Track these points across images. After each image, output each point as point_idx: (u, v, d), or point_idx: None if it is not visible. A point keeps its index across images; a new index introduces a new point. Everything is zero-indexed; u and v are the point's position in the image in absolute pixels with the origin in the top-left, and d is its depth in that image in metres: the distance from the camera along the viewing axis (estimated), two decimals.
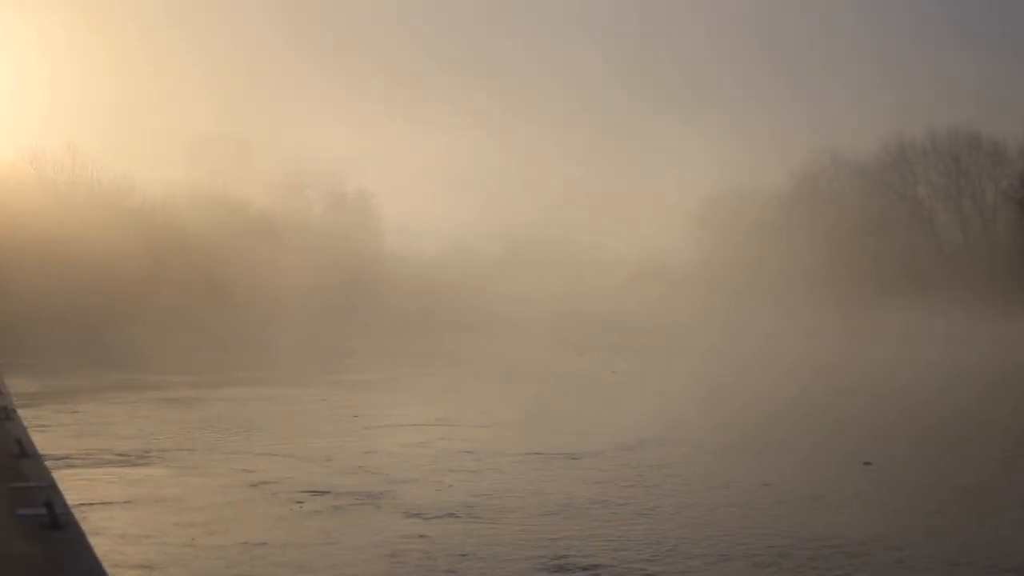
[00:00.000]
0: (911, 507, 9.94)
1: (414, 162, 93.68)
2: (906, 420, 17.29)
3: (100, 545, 5.99)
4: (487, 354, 30.77)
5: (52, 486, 6.42)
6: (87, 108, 72.00)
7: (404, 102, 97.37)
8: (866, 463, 12.09)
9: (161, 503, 9.63)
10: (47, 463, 8.10)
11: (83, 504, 8.76)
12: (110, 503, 9.48)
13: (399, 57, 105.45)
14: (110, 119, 68.85)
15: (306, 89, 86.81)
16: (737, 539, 8.40)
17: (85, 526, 5.81)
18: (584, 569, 7.48)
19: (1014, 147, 63.12)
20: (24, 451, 7.62)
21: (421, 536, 8.39)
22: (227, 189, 52.47)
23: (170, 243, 44.28)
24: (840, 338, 43.52)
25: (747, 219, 67.72)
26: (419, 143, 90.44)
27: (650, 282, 63.66)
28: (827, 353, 35.83)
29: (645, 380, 24.18)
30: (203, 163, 57.64)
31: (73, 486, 9.24)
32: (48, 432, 13.75)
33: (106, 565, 4.82)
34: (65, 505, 5.76)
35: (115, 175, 48.80)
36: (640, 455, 12.31)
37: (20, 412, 11.09)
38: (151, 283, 40.62)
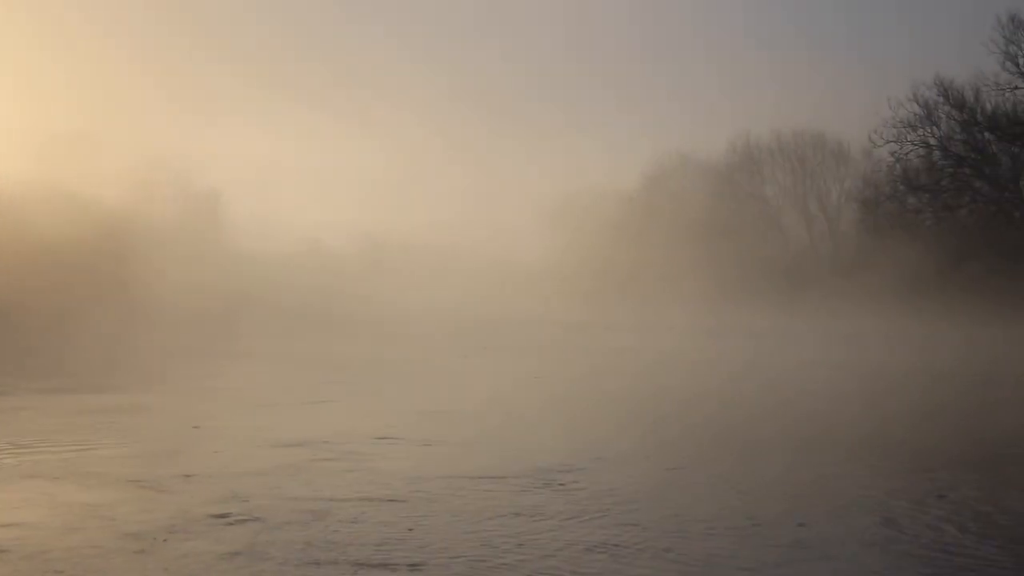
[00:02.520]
0: None
1: (270, 160, 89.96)
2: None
3: None
4: (365, 357, 28.68)
5: None
6: None
7: (262, 100, 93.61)
8: None
9: None
10: None
11: None
12: None
13: (259, 54, 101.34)
14: None
15: (164, 88, 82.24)
16: None
17: None
18: None
19: (857, 147, 64.95)
20: None
21: None
22: (79, 187, 48.99)
23: (21, 243, 41.17)
24: (702, 336, 43.68)
25: (599, 218, 68.19)
26: (276, 141, 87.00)
27: (506, 281, 63.63)
28: (710, 351, 35.80)
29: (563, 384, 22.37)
30: (55, 161, 53.67)
31: None
32: None
33: None
34: None
35: None
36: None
37: None
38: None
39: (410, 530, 7.85)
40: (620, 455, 11.59)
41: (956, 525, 8.25)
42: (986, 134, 51.26)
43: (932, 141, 51.88)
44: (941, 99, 51.08)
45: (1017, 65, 48.20)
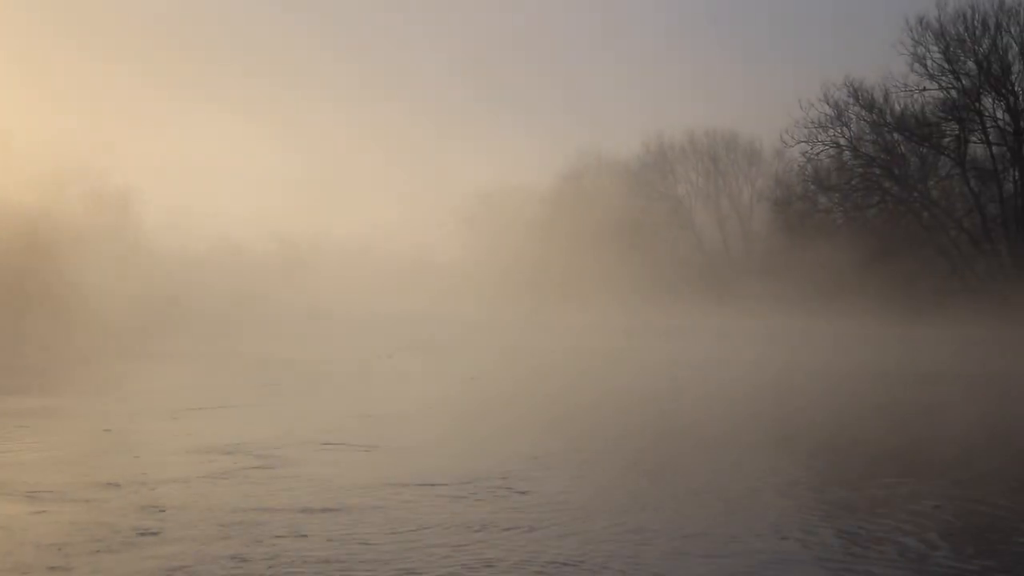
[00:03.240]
0: None
1: (188, 161, 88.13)
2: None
3: None
4: (288, 358, 27.97)
5: None
6: None
7: (173, 96, 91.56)
8: None
9: None
10: None
11: None
12: None
13: (172, 50, 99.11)
14: None
15: (75, 88, 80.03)
16: None
17: None
18: None
19: (769, 148, 65.74)
20: None
21: None
22: None
23: None
24: (622, 335, 43.74)
25: (515, 218, 68.07)
26: (195, 142, 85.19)
27: (424, 280, 63.44)
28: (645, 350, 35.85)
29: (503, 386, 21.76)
30: None
31: None
32: None
33: None
34: None
35: None
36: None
37: None
38: None
39: (363, 545, 7.36)
40: (561, 459, 11.29)
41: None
42: (895, 135, 51.97)
43: (842, 141, 52.50)
44: (851, 100, 51.70)
45: (925, 67, 48.96)
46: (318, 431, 13.03)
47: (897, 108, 51.40)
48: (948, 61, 48.86)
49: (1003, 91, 48.22)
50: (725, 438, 13.28)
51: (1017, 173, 48.58)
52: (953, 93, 49.20)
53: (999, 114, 48.90)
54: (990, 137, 49.20)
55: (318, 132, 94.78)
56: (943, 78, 49.08)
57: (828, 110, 51.83)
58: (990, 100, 49.00)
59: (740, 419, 15.78)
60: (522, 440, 12.88)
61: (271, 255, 64.33)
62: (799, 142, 52.93)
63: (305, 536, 7.57)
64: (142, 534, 7.62)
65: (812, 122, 52.10)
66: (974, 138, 49.76)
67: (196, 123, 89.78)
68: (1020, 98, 47.95)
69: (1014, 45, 47.75)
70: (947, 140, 50.52)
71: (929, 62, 48.99)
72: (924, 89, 49.66)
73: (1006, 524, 8.52)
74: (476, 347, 34.61)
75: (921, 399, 19.31)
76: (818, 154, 52.81)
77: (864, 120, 52.04)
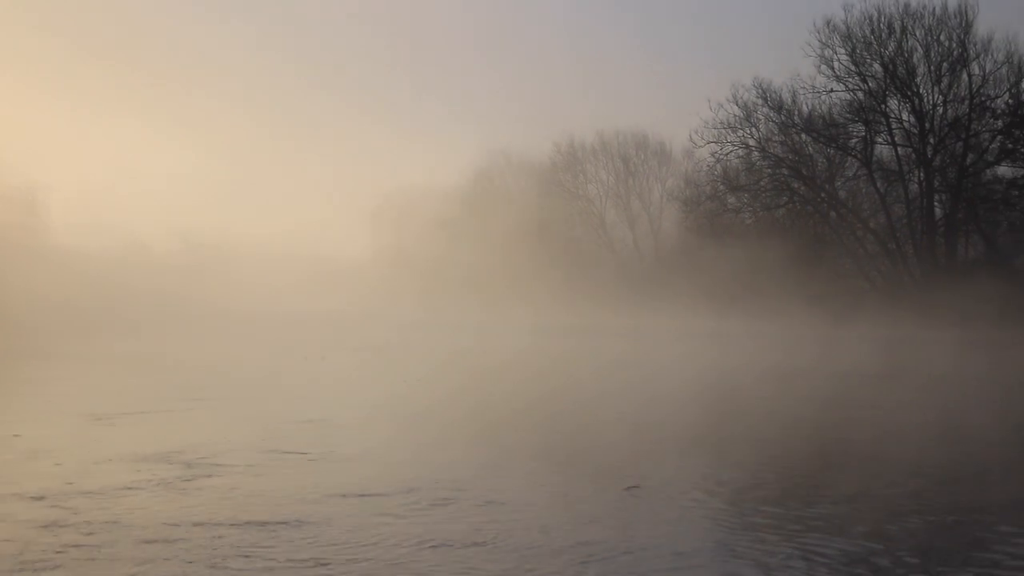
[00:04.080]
0: None
1: (94, 161, 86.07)
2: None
3: None
4: (206, 359, 27.14)
5: None
6: None
7: (81, 97, 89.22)
8: None
9: None
10: None
11: None
12: None
13: (77, 45, 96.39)
14: None
15: None
16: None
17: None
18: None
19: (679, 148, 66.17)
20: None
21: None
22: None
23: None
24: (540, 335, 43.65)
25: (425, 217, 67.65)
26: (100, 142, 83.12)
27: (333, 280, 62.79)
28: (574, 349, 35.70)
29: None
30: None
31: None
32: None
33: None
34: None
35: None
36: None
37: None
38: None
39: (318, 567, 6.80)
40: (508, 465, 10.87)
41: None
42: (803, 136, 52.63)
43: (751, 142, 52.97)
44: (760, 101, 52.21)
45: (832, 69, 49.63)
46: (254, 438, 12.33)
47: (805, 109, 52.13)
48: (855, 63, 49.65)
49: (908, 93, 49.06)
50: (665, 441, 13.00)
51: (922, 174, 49.47)
52: (860, 95, 50.03)
53: (904, 116, 49.86)
54: (896, 138, 50.12)
55: (230, 132, 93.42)
56: (850, 80, 49.91)
57: (737, 111, 52.34)
58: (896, 102, 49.91)
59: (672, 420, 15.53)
60: (467, 445, 12.42)
61: (180, 255, 63.27)
62: (708, 143, 53.37)
63: (248, 556, 7.00)
64: (68, 553, 7.04)
65: (721, 123, 52.55)
66: (880, 139, 50.68)
67: (103, 124, 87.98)
68: (925, 100, 48.90)
69: (919, 48, 48.68)
70: (854, 141, 51.33)
71: (836, 64, 49.75)
72: (831, 91, 50.42)
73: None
74: (404, 348, 34.08)
75: (819, 395, 19.39)
76: (727, 155, 53.30)
77: (772, 121, 52.66)
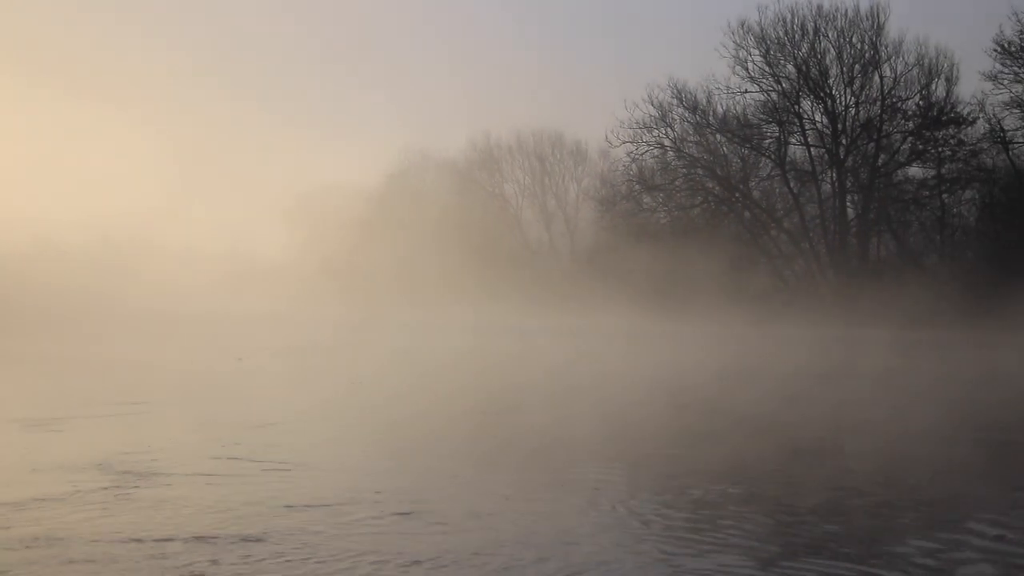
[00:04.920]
0: None
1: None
2: None
3: None
4: (131, 360, 26.14)
5: None
6: None
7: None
8: None
9: None
10: None
11: None
12: None
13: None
14: None
15: None
16: None
17: None
18: None
19: (595, 147, 66.14)
20: None
21: None
22: None
23: None
24: (471, 334, 43.39)
25: (341, 216, 66.86)
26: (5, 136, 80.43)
27: (251, 280, 61.85)
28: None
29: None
30: None
31: None
32: None
33: None
34: None
35: None
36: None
37: None
38: None
39: None
40: (466, 475, 10.29)
41: None
42: (718, 136, 52.84)
43: (666, 142, 52.97)
44: (675, 101, 52.26)
45: (747, 70, 49.83)
46: (200, 444, 11.65)
47: (720, 110, 52.33)
48: (768, 64, 49.94)
49: (821, 94, 49.49)
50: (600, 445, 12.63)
51: (834, 174, 49.93)
52: (773, 96, 50.36)
53: (817, 116, 50.30)
54: (809, 139, 50.51)
55: (148, 129, 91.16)
56: (764, 81, 50.21)
57: (652, 111, 52.34)
58: (809, 103, 50.31)
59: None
60: (424, 451, 11.81)
61: (97, 255, 61.76)
62: (624, 142, 53.27)
63: None
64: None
65: (637, 123, 52.50)
66: (794, 140, 51.08)
67: (11, 122, 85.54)
68: (837, 101, 49.35)
69: (831, 49, 49.10)
70: (768, 142, 51.64)
71: (750, 65, 49.99)
72: (745, 91, 50.67)
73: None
74: (338, 348, 33.39)
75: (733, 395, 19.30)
76: (643, 154, 53.27)
77: (688, 121, 52.78)
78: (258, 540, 7.24)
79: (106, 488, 9.00)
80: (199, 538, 7.26)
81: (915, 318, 37.65)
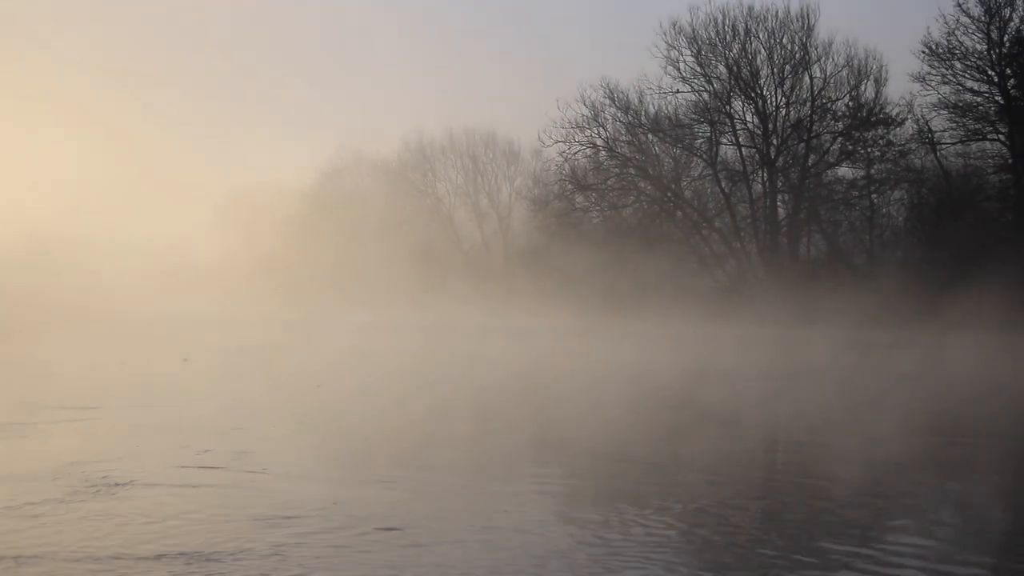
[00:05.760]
0: None
1: None
2: None
3: None
4: (75, 362, 25.33)
5: None
6: None
7: None
8: None
9: None
10: None
11: None
12: None
13: None
14: None
15: None
16: None
17: None
18: None
19: (528, 147, 66.02)
20: None
21: None
22: None
23: None
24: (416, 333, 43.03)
25: (275, 215, 66.12)
26: None
27: (179, 278, 60.88)
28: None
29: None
30: None
31: None
32: None
33: None
34: None
35: None
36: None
37: None
38: None
39: None
40: (446, 483, 9.85)
41: None
42: (650, 136, 52.89)
43: (599, 142, 52.91)
44: (607, 101, 52.22)
45: (678, 70, 49.89)
46: (161, 450, 11.01)
47: (652, 110, 52.39)
48: (700, 65, 50.05)
49: (752, 95, 49.70)
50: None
51: (765, 174, 50.19)
52: (705, 96, 50.50)
53: (748, 117, 50.54)
54: (740, 139, 50.73)
55: (79, 129, 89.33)
56: (695, 81, 50.31)
57: (585, 111, 52.29)
58: (740, 103, 50.50)
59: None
60: (392, 458, 11.33)
61: (26, 254, 60.42)
62: (557, 142, 53.15)
63: None
64: None
65: (569, 122, 52.45)
66: (725, 140, 51.25)
67: None
68: (768, 101, 49.58)
69: (762, 50, 49.34)
70: (699, 142, 51.80)
71: (682, 65, 50.07)
72: (677, 92, 50.77)
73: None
74: (284, 349, 32.71)
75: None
76: (575, 154, 53.17)
77: (620, 121, 52.75)
78: (219, 560, 6.77)
79: (60, 501, 8.42)
80: (159, 556, 6.80)
81: (844, 317, 37.88)
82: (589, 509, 8.72)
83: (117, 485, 9.08)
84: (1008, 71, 42.49)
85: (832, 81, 48.49)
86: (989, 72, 42.94)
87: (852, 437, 13.49)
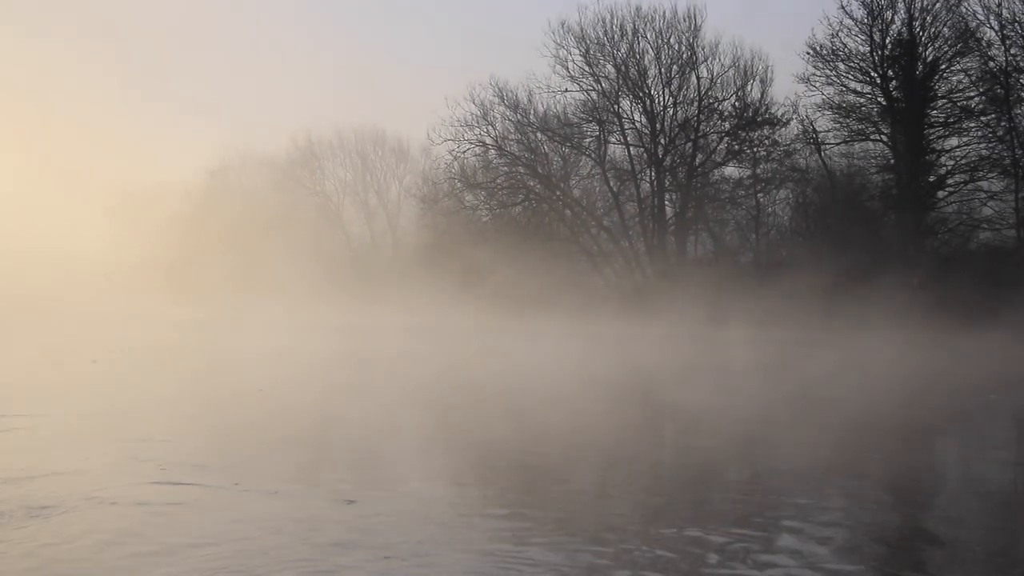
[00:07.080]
0: None
1: None
2: None
3: None
4: None
5: None
6: None
7: None
8: None
9: None
10: None
11: None
12: None
13: None
14: None
15: None
16: None
17: None
18: None
19: (417, 145, 65.62)
20: None
21: None
22: None
23: None
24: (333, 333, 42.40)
25: (162, 213, 64.74)
26: None
27: (71, 277, 59.54)
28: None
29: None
30: None
31: None
32: None
33: None
34: None
35: None
36: None
37: None
38: None
39: None
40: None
41: None
42: (539, 135, 52.75)
43: (488, 140, 52.62)
44: (496, 100, 51.96)
45: (567, 69, 49.81)
46: (101, 463, 9.96)
47: (541, 109, 52.31)
48: (588, 64, 50.08)
49: (640, 94, 49.85)
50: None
51: (653, 173, 50.38)
52: (593, 95, 50.54)
53: (636, 116, 50.70)
54: (628, 138, 50.89)
55: None
56: (584, 80, 50.29)
57: (474, 109, 51.99)
58: (628, 102, 50.63)
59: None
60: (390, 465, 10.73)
61: None
62: (446, 140, 52.74)
63: None
64: None
65: (459, 121, 52.10)
66: (613, 139, 51.42)
67: None
68: (656, 101, 49.78)
69: (650, 50, 49.51)
70: (588, 141, 51.87)
71: (571, 64, 50.01)
72: (566, 91, 50.72)
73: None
74: (178, 348, 31.67)
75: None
76: (464, 152, 52.79)
77: (509, 120, 52.55)
78: None
79: (16, 515, 7.63)
80: None
81: (730, 315, 38.16)
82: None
83: (48, 507, 8.01)
84: (890, 73, 43.20)
85: (719, 81, 48.91)
86: (872, 74, 43.63)
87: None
